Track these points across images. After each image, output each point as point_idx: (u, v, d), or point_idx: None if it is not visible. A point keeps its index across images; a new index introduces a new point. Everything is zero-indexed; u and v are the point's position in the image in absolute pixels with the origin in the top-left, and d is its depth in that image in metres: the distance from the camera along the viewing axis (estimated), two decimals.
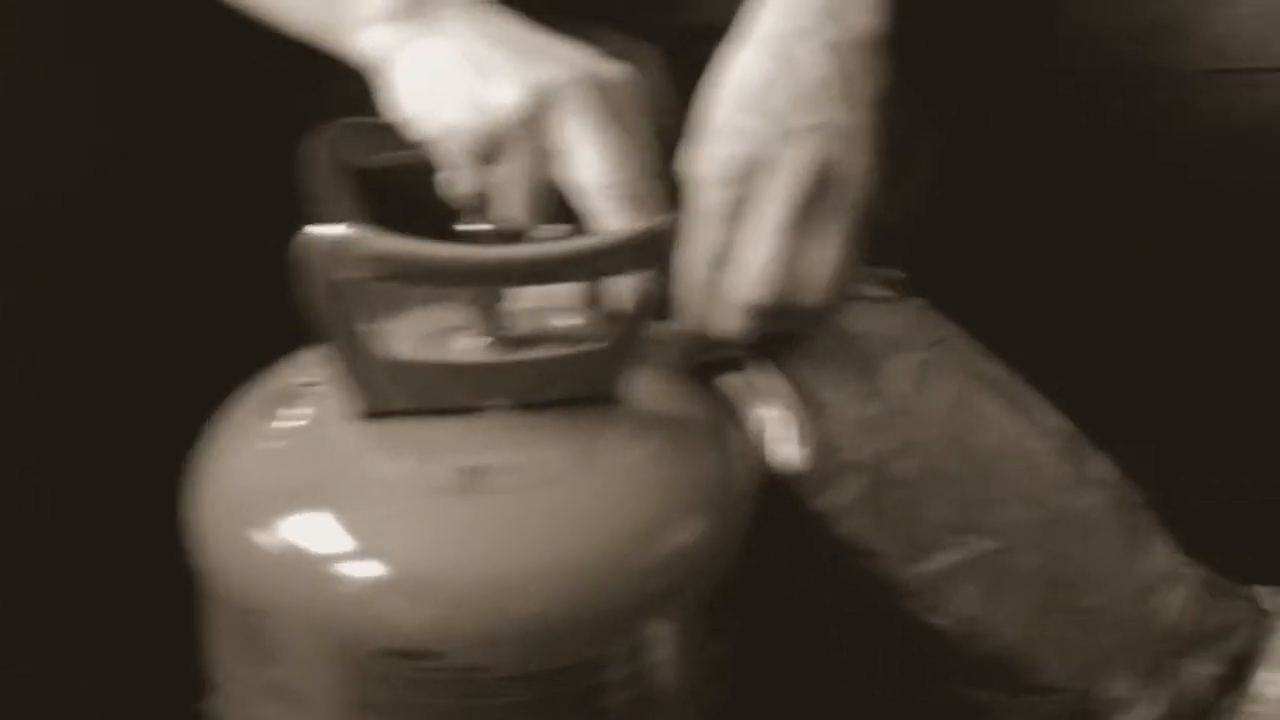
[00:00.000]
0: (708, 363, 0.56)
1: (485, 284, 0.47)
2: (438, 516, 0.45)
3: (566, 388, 0.48)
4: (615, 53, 0.66)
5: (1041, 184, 0.73)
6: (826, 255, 0.50)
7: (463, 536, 0.45)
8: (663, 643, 0.48)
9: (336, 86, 0.56)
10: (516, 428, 0.48)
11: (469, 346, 0.50)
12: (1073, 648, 0.56)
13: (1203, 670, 0.57)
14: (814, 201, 0.50)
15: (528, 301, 0.51)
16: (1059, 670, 0.56)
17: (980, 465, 0.55)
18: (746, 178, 0.49)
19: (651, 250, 0.46)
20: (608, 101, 0.49)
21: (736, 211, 0.50)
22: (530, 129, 0.49)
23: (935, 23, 0.59)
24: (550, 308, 0.51)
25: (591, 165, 0.49)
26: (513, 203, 0.49)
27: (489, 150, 0.49)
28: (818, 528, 0.55)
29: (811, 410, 0.53)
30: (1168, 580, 0.57)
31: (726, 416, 0.54)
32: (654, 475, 0.49)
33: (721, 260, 0.50)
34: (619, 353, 0.48)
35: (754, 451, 0.54)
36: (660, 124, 0.52)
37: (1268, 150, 0.74)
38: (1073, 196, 0.73)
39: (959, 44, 0.66)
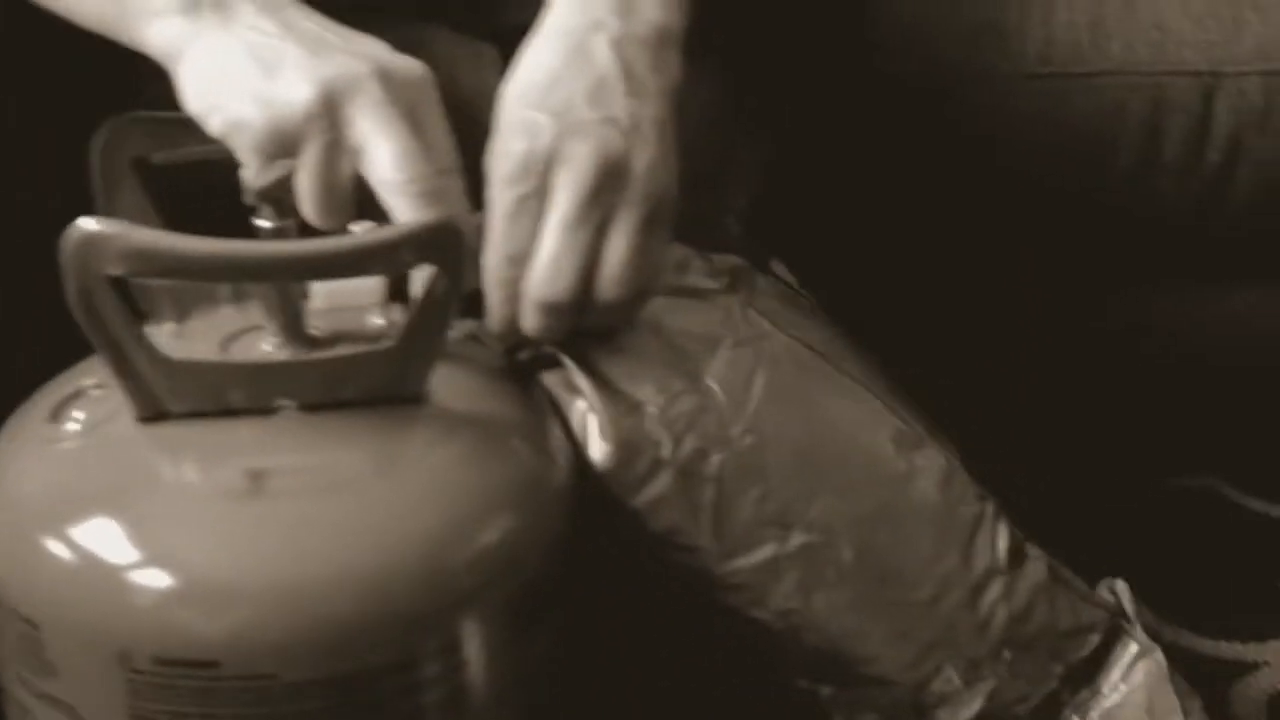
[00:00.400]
0: (526, 360, 0.56)
1: (251, 280, 0.46)
2: (222, 521, 0.44)
3: (358, 388, 0.47)
4: (449, 50, 0.66)
5: (869, 184, 0.73)
6: (621, 249, 0.50)
7: (247, 541, 0.44)
8: (470, 644, 0.48)
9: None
10: (307, 429, 0.47)
11: (263, 346, 0.49)
12: (903, 640, 0.56)
13: (1042, 669, 0.57)
14: (603, 195, 0.49)
15: (333, 301, 0.50)
16: (890, 663, 0.56)
17: (796, 459, 0.54)
18: (537, 174, 0.49)
19: (436, 246, 0.45)
20: (401, 96, 0.49)
21: (529, 208, 0.49)
22: (321, 124, 0.48)
23: (739, 21, 0.59)
24: (356, 307, 0.51)
25: (385, 161, 0.48)
26: (307, 199, 0.49)
27: (279, 146, 0.48)
28: (635, 524, 0.55)
29: (623, 407, 0.53)
30: (1006, 575, 0.56)
31: (539, 414, 0.54)
32: (454, 475, 0.48)
33: (519, 258, 0.50)
34: (410, 351, 0.47)
35: (568, 449, 0.53)
36: (486, 120, 0.52)
37: (1091, 154, 0.75)
38: (900, 199, 0.74)
39: (769, 41, 0.67)
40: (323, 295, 0.50)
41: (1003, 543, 0.57)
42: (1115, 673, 0.58)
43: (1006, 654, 0.56)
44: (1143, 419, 0.88)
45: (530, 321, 0.51)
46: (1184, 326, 0.87)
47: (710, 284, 0.58)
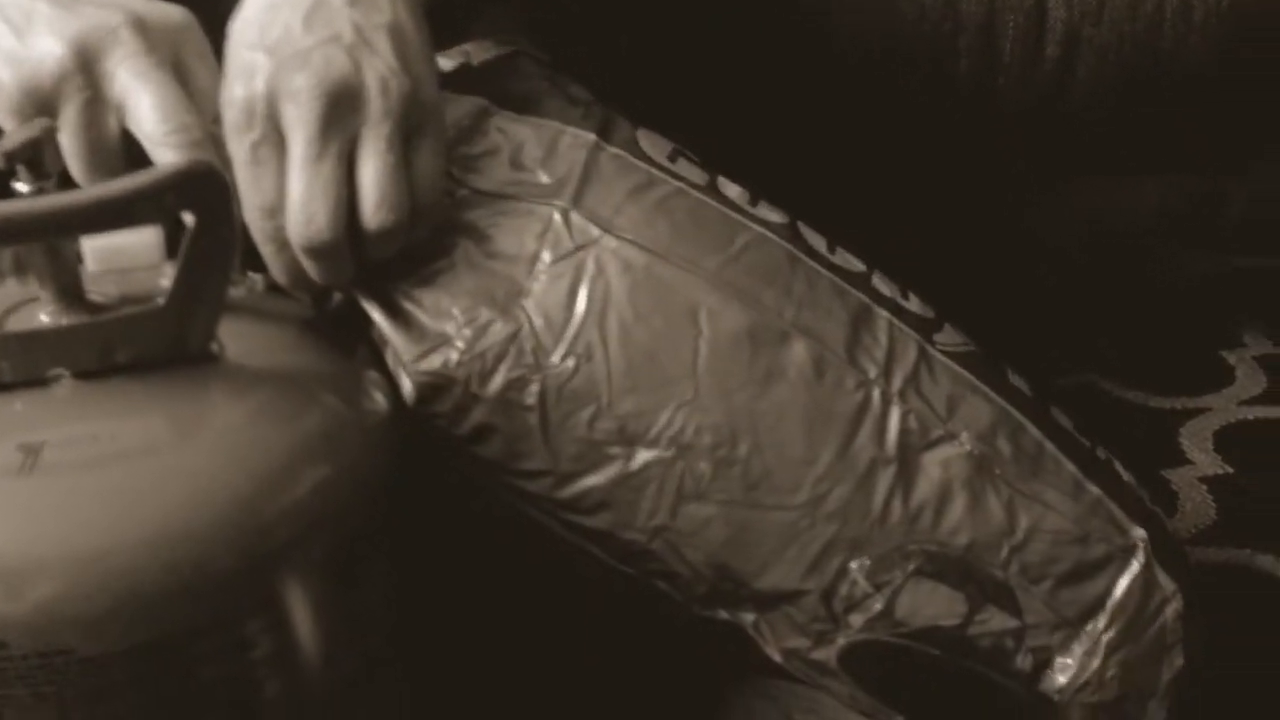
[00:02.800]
0: (334, 307, 0.55)
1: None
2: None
3: (134, 351, 0.45)
4: None
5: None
6: (373, 173, 0.48)
7: (23, 518, 0.42)
8: (292, 597, 0.46)
9: None
10: (84, 398, 0.45)
11: (41, 317, 0.47)
12: (793, 546, 0.53)
13: (970, 569, 0.54)
14: (338, 122, 0.47)
15: (111, 263, 0.48)
16: (785, 572, 0.54)
17: (630, 374, 0.52)
18: (262, 117, 0.47)
19: (194, 192, 0.43)
20: (160, 44, 0.47)
21: (267, 155, 0.47)
22: (78, 81, 0.46)
23: None
24: (136, 269, 0.49)
25: (147, 113, 0.47)
26: (72, 159, 0.47)
27: (37, 107, 0.46)
28: (468, 457, 0.54)
29: (426, 345, 0.52)
30: (896, 464, 0.53)
31: (351, 361, 0.53)
32: (253, 431, 0.47)
33: (273, 208, 0.48)
34: (185, 309, 0.45)
35: (386, 394, 0.52)
36: None
37: (930, 60, 0.75)
38: (745, 96, 0.72)
39: None
40: (100, 259, 0.48)
41: (894, 430, 0.54)
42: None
43: (917, 549, 0.54)
44: (1015, 323, 0.88)
45: (308, 269, 0.49)
46: (1038, 221, 0.87)
47: (537, 179, 0.55)
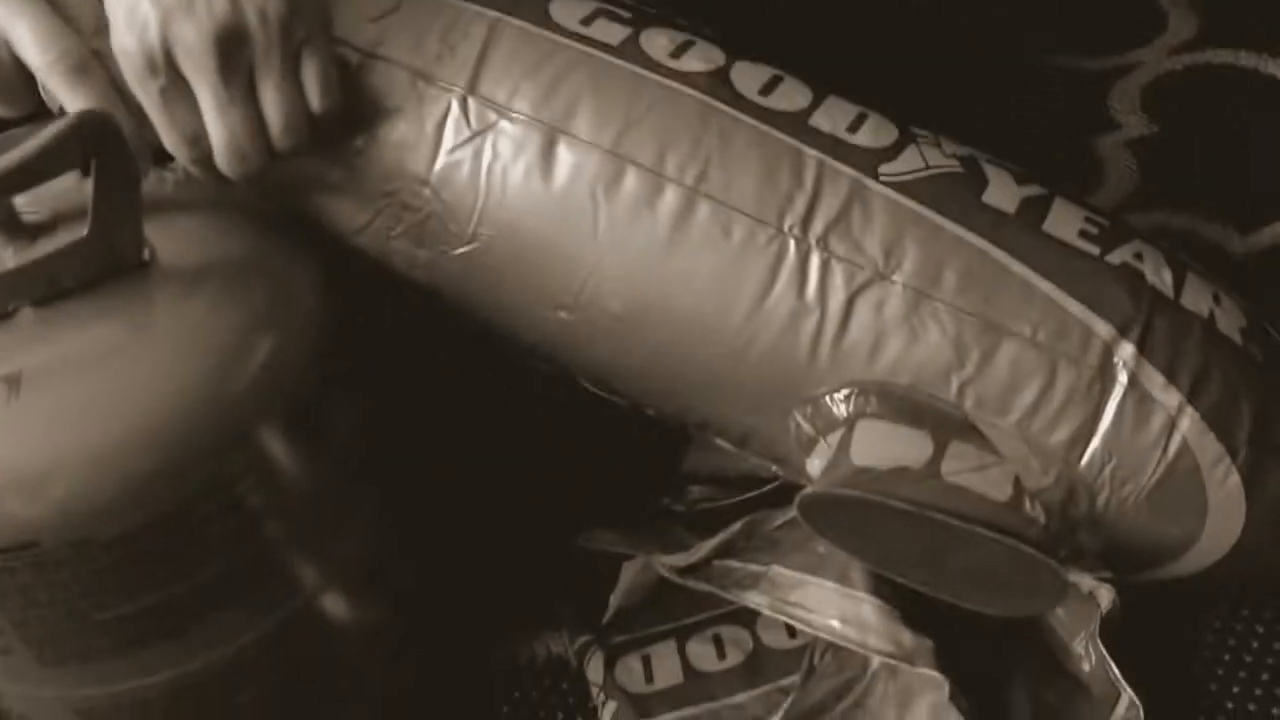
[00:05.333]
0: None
1: None
2: None
3: (78, 275, 0.50)
4: None
5: None
6: (275, 104, 0.51)
7: (29, 434, 0.49)
8: (266, 457, 0.53)
9: None
10: (45, 324, 0.50)
11: None
12: (733, 388, 0.54)
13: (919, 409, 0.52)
14: (233, 63, 0.49)
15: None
16: (732, 409, 0.55)
17: (542, 249, 0.54)
18: (162, 67, 0.49)
19: (93, 141, 0.47)
20: None
21: (175, 94, 0.50)
22: None
23: None
24: (63, 189, 0.53)
25: (28, 47, 0.49)
26: None
27: None
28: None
29: (360, 219, 0.56)
30: (818, 311, 0.52)
31: (280, 230, 0.57)
32: (208, 317, 0.52)
33: (195, 138, 0.51)
34: (109, 231, 0.50)
35: (314, 254, 0.57)
36: None
37: None
38: None
39: None
40: None
41: (814, 279, 0.53)
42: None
43: (855, 391, 0.53)
44: None
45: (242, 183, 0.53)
46: None
47: (439, 59, 0.55)
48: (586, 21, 0.57)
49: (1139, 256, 0.55)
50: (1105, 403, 0.52)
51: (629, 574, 0.69)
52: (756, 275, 0.53)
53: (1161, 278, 0.55)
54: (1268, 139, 0.87)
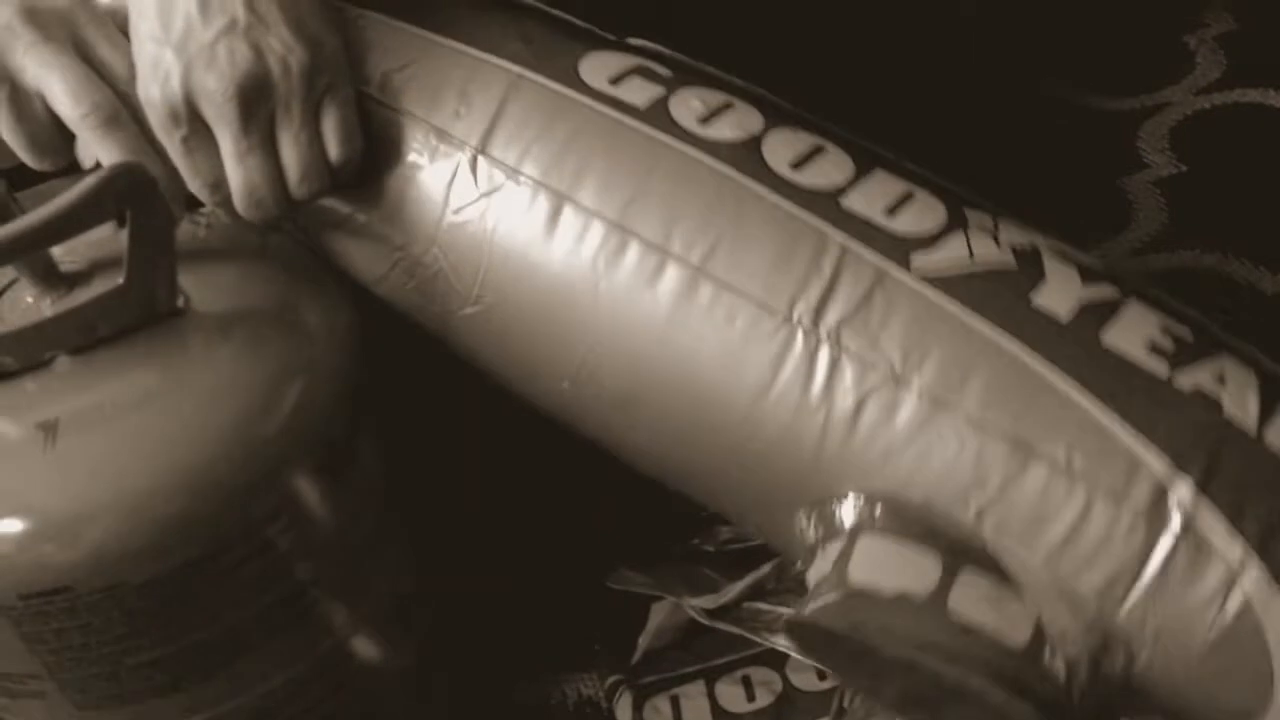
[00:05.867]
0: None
1: None
2: (28, 473, 0.50)
3: (113, 323, 0.52)
4: None
5: None
6: (294, 155, 0.51)
7: (63, 481, 0.50)
8: (295, 500, 0.54)
9: None
10: (82, 371, 0.51)
11: (26, 298, 0.53)
12: (736, 485, 0.51)
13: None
14: (254, 113, 0.50)
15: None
16: (735, 506, 0.54)
17: (543, 317, 0.52)
18: (185, 117, 0.50)
19: (127, 193, 0.48)
20: (54, 29, 0.50)
21: (197, 144, 0.51)
22: None
23: None
24: (100, 239, 0.54)
25: (60, 100, 0.50)
26: (15, 148, 0.52)
27: None
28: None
29: (379, 269, 0.57)
30: (831, 409, 0.47)
31: (310, 276, 0.58)
32: (239, 364, 0.53)
33: (217, 184, 0.52)
34: (144, 280, 0.51)
35: (347, 295, 0.58)
36: None
37: None
38: None
39: None
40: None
41: (820, 375, 0.47)
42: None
43: (864, 501, 0.47)
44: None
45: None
46: None
47: (453, 115, 0.53)
48: (616, 80, 0.54)
49: (1220, 379, 0.47)
50: (1152, 548, 0.44)
51: (658, 615, 0.70)
52: (759, 365, 0.48)
53: (1244, 406, 0.46)
54: None
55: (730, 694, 0.66)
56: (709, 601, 0.66)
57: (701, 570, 0.70)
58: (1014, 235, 0.51)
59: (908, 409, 0.47)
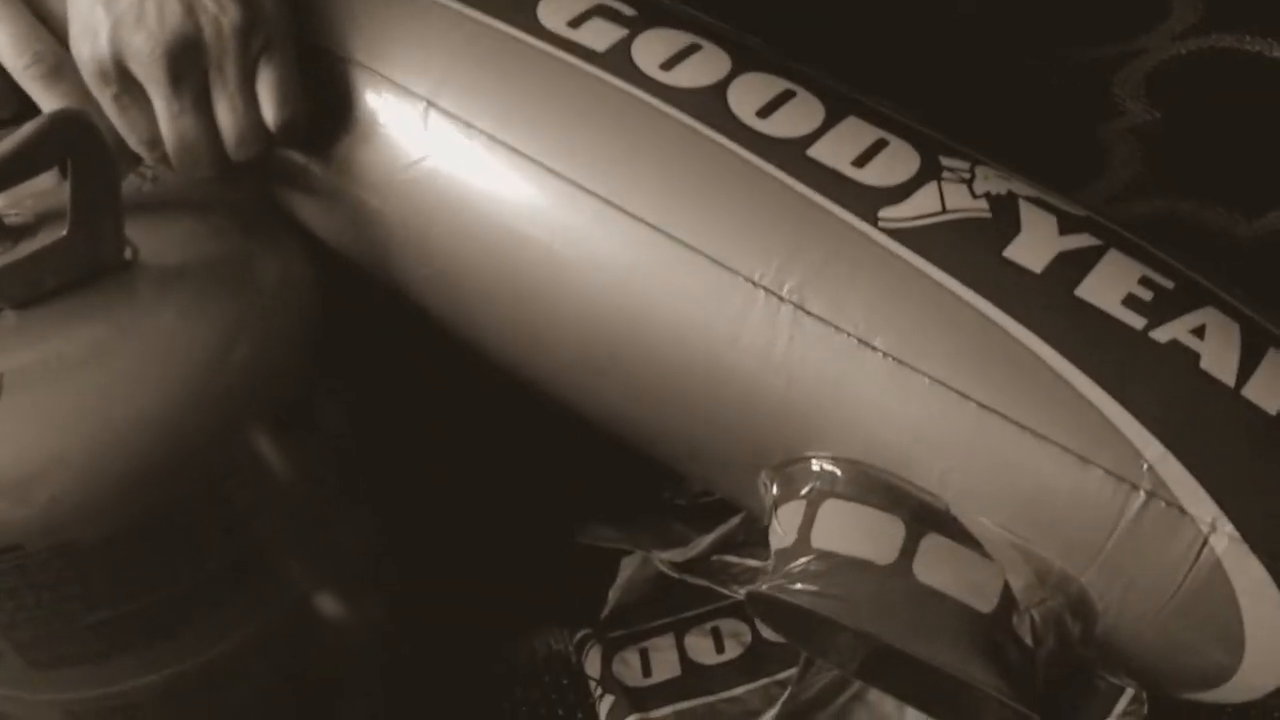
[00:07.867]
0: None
1: None
2: None
3: (58, 275, 0.50)
4: None
5: None
6: (229, 117, 0.50)
7: (12, 436, 0.48)
8: (252, 456, 0.53)
9: None
10: (27, 325, 0.50)
11: None
12: (702, 447, 0.51)
13: None
14: (184, 73, 0.49)
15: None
16: (706, 464, 0.53)
17: (499, 279, 0.51)
18: (115, 75, 0.49)
19: (68, 141, 0.47)
20: None
21: (130, 101, 0.50)
22: None
23: None
24: (46, 191, 0.53)
25: (4, 49, 0.49)
26: None
27: None
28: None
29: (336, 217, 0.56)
30: (791, 371, 0.46)
31: (267, 229, 0.57)
32: (181, 322, 0.51)
33: (153, 140, 0.51)
34: (87, 232, 0.50)
35: (302, 247, 0.56)
36: None
37: None
38: None
39: None
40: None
41: (782, 337, 0.46)
42: None
43: (823, 467, 0.47)
44: None
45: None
46: None
47: (405, 63, 0.52)
48: (577, 22, 0.51)
49: (1199, 332, 0.45)
50: (1121, 509, 0.43)
51: (627, 569, 0.69)
52: (719, 328, 0.46)
53: (1223, 360, 0.44)
54: (1272, 123, 0.86)
55: (700, 646, 0.65)
56: (678, 555, 0.66)
57: (671, 524, 0.69)
58: (991, 183, 0.49)
59: (871, 371, 0.45)
